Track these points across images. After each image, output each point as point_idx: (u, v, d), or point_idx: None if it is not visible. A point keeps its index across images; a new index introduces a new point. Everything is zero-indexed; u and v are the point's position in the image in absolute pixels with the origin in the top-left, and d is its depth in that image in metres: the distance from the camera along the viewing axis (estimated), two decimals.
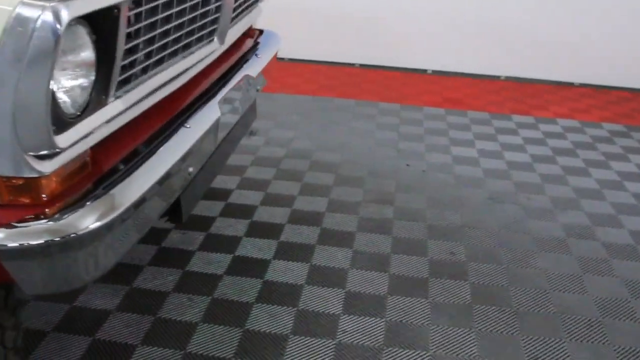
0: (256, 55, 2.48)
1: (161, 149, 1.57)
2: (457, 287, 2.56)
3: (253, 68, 2.34)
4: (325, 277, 2.58)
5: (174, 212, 1.82)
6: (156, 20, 1.50)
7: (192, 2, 1.68)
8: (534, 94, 5.13)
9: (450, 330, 2.31)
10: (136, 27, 1.39)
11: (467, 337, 2.28)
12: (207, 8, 1.83)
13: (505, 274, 2.66)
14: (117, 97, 1.40)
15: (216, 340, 2.20)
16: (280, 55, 5.67)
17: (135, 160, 1.49)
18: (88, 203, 1.30)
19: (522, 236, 2.97)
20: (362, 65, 5.66)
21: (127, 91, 1.45)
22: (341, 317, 2.35)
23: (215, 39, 2.00)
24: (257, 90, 2.52)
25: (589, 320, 2.40)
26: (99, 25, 1.26)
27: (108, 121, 1.41)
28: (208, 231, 2.88)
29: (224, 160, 2.26)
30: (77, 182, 1.35)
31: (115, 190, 1.38)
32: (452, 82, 5.35)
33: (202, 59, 1.91)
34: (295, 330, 2.27)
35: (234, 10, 2.14)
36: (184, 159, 1.64)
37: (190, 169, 1.74)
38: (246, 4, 2.34)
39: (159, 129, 1.65)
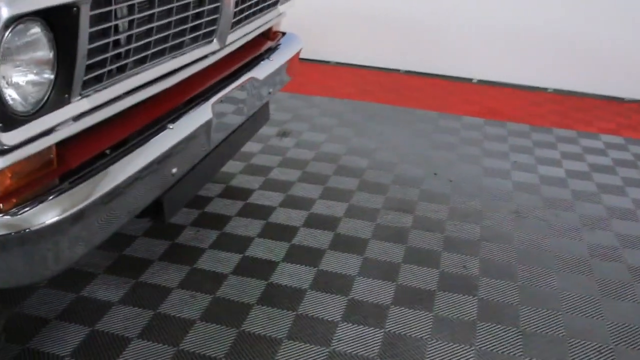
0: (268, 58, 2.48)
1: (138, 149, 1.59)
2: (464, 302, 2.49)
3: (261, 70, 2.34)
4: (331, 283, 2.56)
5: (157, 212, 1.84)
6: (132, 20, 1.52)
7: (178, 3, 1.69)
8: (581, 107, 4.94)
9: (450, 346, 2.25)
10: (104, 26, 1.41)
11: (466, 354, 2.21)
12: (201, 9, 1.84)
13: (517, 291, 2.58)
14: (85, 96, 1.43)
15: (210, 339, 2.22)
16: (324, 58, 5.69)
17: (106, 158, 1.51)
18: (46, 199, 1.32)
19: (542, 253, 2.86)
20: (407, 72, 5.59)
21: (98, 90, 1.47)
22: (339, 325, 2.32)
23: (215, 40, 2.01)
24: (269, 93, 2.53)
25: (600, 346, 2.29)
26: (57, 23, 1.28)
27: (76, 119, 1.43)
28: (222, 230, 2.90)
29: (221, 163, 2.27)
30: (39, 178, 1.37)
31: (79, 188, 1.40)
32: (496, 92, 5.22)
33: (197, 60, 1.93)
34: (291, 335, 2.25)
35: (240, 12, 2.16)
36: (161, 159, 1.65)
37: (174, 170, 1.76)
38: (258, 6, 2.35)
39: (141, 129, 1.67)
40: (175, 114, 1.80)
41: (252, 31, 2.37)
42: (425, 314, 2.41)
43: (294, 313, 2.37)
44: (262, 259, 2.70)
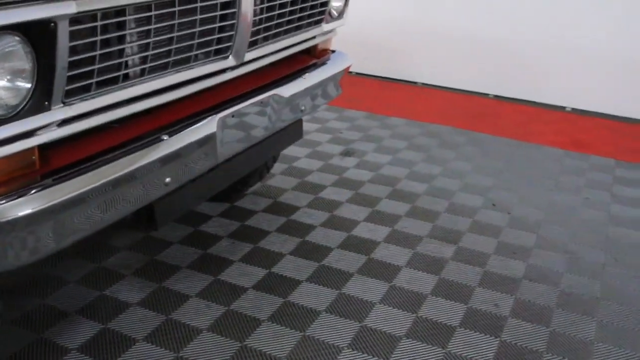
0: (302, 76, 2.49)
1: (126, 157, 1.65)
2: (485, 342, 2.35)
3: (288, 88, 2.35)
4: (348, 308, 2.50)
5: (149, 218, 1.89)
6: (123, 36, 1.59)
7: (182, 20, 1.75)
8: None
9: None
10: (88, 40, 1.49)
11: None
12: (210, 26, 1.89)
13: (547, 337, 2.39)
14: (69, 104, 1.51)
15: (212, 350, 2.24)
16: (411, 79, 5.61)
17: (89, 163, 1.58)
18: (22, 194, 1.41)
19: (588, 300, 2.64)
20: (495, 96, 5.39)
21: (85, 99, 1.55)
22: (343, 351, 2.27)
23: (231, 57, 2.05)
24: (302, 111, 2.53)
25: None
26: (36, 37, 1.37)
27: (60, 125, 1.52)
28: (257, 244, 2.93)
29: (233, 176, 2.30)
30: (19, 177, 1.47)
31: (55, 187, 1.48)
32: (589, 122, 4.89)
33: (210, 75, 1.97)
34: (292, 356, 2.23)
35: (260, 31, 2.18)
36: (150, 168, 1.70)
37: (167, 180, 1.81)
38: (288, 25, 2.37)
39: (136, 137, 1.73)
40: (177, 126, 1.85)
41: (281, 49, 2.39)
42: (438, 350, 2.30)
43: (301, 334, 2.35)
44: (287, 276, 2.69)
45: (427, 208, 3.38)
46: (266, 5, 2.18)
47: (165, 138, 1.78)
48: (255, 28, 2.14)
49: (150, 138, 1.75)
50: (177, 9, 1.75)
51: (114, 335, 2.28)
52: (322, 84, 2.64)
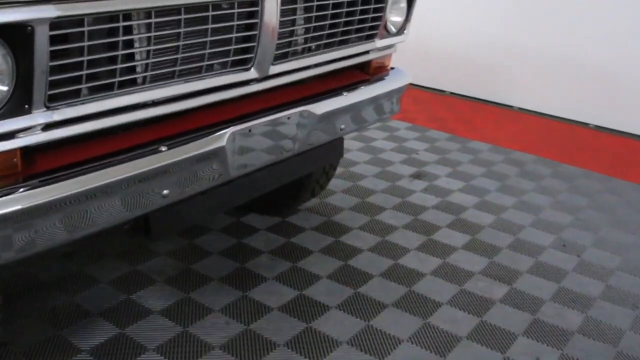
0: (343, 92, 2.37)
1: (115, 166, 1.62)
2: None
3: (322, 105, 2.24)
4: (371, 342, 2.35)
5: (146, 228, 1.86)
6: (115, 43, 1.56)
7: (188, 29, 1.70)
8: None
9: None
10: (73, 46, 1.47)
11: None
12: (223, 37, 1.83)
13: None
14: (52, 109, 1.50)
15: None
16: (507, 102, 5.31)
17: (75, 170, 1.56)
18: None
19: None
20: (597, 127, 4.97)
21: (72, 105, 1.53)
22: None
23: (253, 69, 1.98)
24: (341, 130, 2.41)
25: None
26: (13, 40, 1.36)
27: (46, 129, 1.51)
28: (296, 263, 2.84)
29: (249, 193, 2.21)
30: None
31: (34, 190, 1.47)
32: None
33: (227, 86, 1.92)
34: None
35: (294, 43, 2.10)
36: (143, 179, 1.66)
37: (165, 192, 1.76)
38: (332, 39, 2.27)
39: (132, 146, 1.70)
40: (182, 137, 1.81)
41: (319, 64, 2.29)
42: None
43: None
44: (317, 300, 2.58)
45: (487, 242, 3.14)
46: (298, 17, 2.09)
47: (163, 149, 1.73)
48: (282, 40, 2.06)
49: (147, 149, 1.71)
50: (182, 17, 1.70)
51: (127, 342, 2.27)
52: (370, 102, 2.51)
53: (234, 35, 1.87)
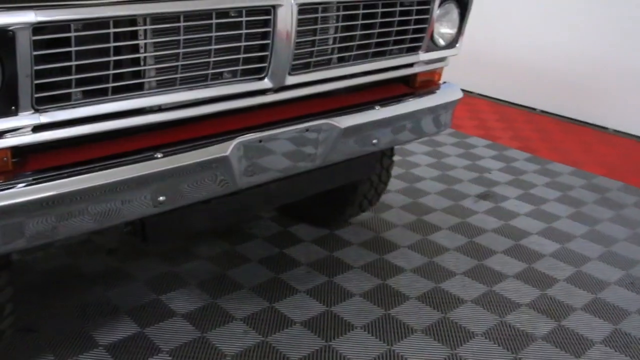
0: (375, 106, 2.28)
1: (108, 170, 1.64)
2: None
3: (348, 119, 2.17)
4: None
5: (142, 233, 1.87)
6: (107, 48, 1.58)
7: (187, 37, 1.70)
8: None
9: None
10: (55, 51, 1.51)
11: None
12: (229, 45, 1.81)
13: None
14: (41, 111, 1.54)
15: None
16: (602, 123, 4.94)
17: (64, 171, 1.60)
18: None
19: None
20: None
21: (62, 108, 1.57)
22: None
23: (267, 79, 1.95)
24: (373, 144, 2.32)
25: None
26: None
27: (35, 130, 1.56)
28: (332, 278, 2.78)
29: (262, 205, 2.17)
30: None
31: (18, 189, 1.53)
32: None
33: (233, 95, 1.90)
34: None
35: (315, 53, 2.05)
36: (132, 184, 1.68)
37: (161, 198, 1.76)
38: (364, 50, 2.20)
39: (130, 151, 1.72)
40: (183, 145, 1.81)
41: (347, 76, 2.22)
42: None
43: None
44: (343, 319, 2.50)
45: (544, 272, 2.91)
46: (321, 26, 2.03)
47: (158, 156, 1.74)
48: (302, 50, 2.01)
49: (142, 155, 1.72)
50: (181, 24, 1.70)
51: (144, 341, 2.31)
52: (408, 117, 2.40)
53: (243, 43, 1.85)
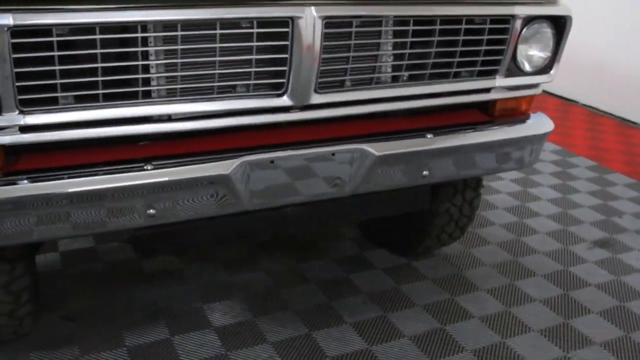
0: (428, 134, 2.03)
1: (92, 177, 1.61)
2: None
3: (384, 146, 1.94)
4: None
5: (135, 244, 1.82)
6: (94, 55, 1.54)
7: (185, 47, 1.62)
8: None
9: None
10: (33, 55, 1.49)
11: None
12: (235, 58, 1.69)
13: None
14: (26, 113, 1.54)
15: None
16: None
17: (51, 174, 1.60)
18: None
19: None
20: None
21: (48, 111, 1.57)
22: None
23: (286, 97, 1.80)
24: (424, 177, 2.07)
25: None
26: None
27: (25, 131, 1.57)
28: (386, 313, 2.55)
29: (273, 229, 2.00)
30: None
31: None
32: None
33: (244, 111, 1.78)
34: None
35: (350, 71, 1.87)
36: (116, 193, 1.63)
37: (151, 211, 1.70)
38: (417, 71, 1.98)
39: (121, 160, 1.68)
40: (182, 158, 1.73)
41: (394, 98, 1.98)
42: None
43: None
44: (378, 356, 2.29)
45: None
46: (355, 42, 1.83)
47: (148, 168, 1.67)
48: (330, 67, 1.83)
49: (132, 165, 1.67)
50: (179, 33, 1.62)
51: (166, 349, 2.28)
52: (471, 149, 2.11)
53: (254, 56, 1.72)
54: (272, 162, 1.82)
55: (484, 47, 2.07)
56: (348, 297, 2.64)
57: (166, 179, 1.68)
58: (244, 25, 1.70)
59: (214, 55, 1.69)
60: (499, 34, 2.07)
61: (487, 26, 2.04)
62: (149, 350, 2.28)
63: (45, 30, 1.50)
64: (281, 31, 1.72)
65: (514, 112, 2.31)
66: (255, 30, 1.69)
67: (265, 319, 2.48)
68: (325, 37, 1.77)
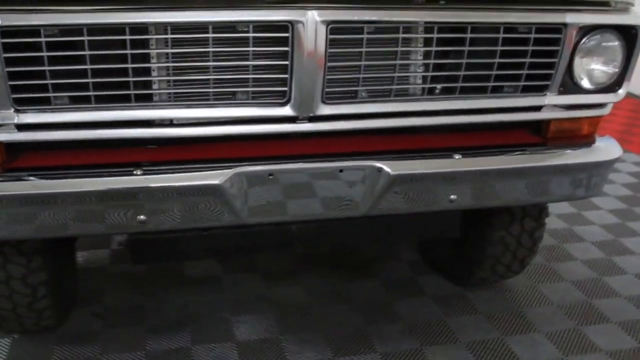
0: (456, 155, 1.81)
1: (79, 179, 1.59)
2: None
3: (405, 165, 1.75)
4: None
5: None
6: (83, 56, 1.51)
7: (185, 49, 1.56)
8: None
9: None
10: (23, 55, 1.48)
11: None
12: (227, 63, 1.59)
13: None
14: (22, 111, 1.54)
15: None
16: None
17: (36, 172, 1.60)
18: None
19: None
20: None
21: (43, 111, 1.56)
22: None
23: (289, 106, 1.67)
24: (451, 201, 1.86)
25: None
26: None
27: (23, 129, 1.58)
28: (423, 347, 2.34)
29: (266, 246, 1.87)
30: None
31: None
32: None
33: (243, 119, 1.68)
34: None
35: (363, 81, 1.71)
36: (102, 197, 1.60)
37: (141, 217, 1.65)
38: (446, 84, 1.78)
39: (111, 164, 1.64)
40: (172, 165, 1.67)
41: (420, 113, 1.79)
42: None
43: None
44: None
45: None
46: (366, 50, 1.66)
47: (137, 173, 1.62)
48: (340, 76, 1.68)
49: (122, 169, 1.63)
50: (169, 36, 1.55)
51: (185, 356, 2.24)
52: (508, 174, 1.87)
53: (251, 62, 1.61)
54: (270, 175, 1.70)
55: (528, 59, 1.82)
56: (386, 324, 2.46)
57: (154, 185, 1.63)
58: (240, 30, 1.60)
59: (208, 60, 1.61)
60: (547, 45, 1.82)
61: (533, 35, 1.79)
62: (165, 357, 2.24)
63: (34, 31, 1.49)
64: (280, 36, 1.61)
65: (573, 135, 2.03)
66: (251, 35, 1.59)
67: (291, 338, 2.37)
68: (331, 43, 1.63)
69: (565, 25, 1.79)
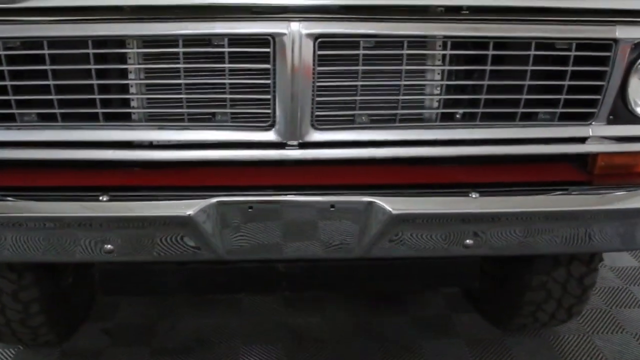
0: (472, 193, 1.53)
1: (41, 202, 1.47)
2: None
3: (409, 202, 1.50)
4: None
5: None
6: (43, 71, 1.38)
7: (154, 65, 1.41)
8: None
9: None
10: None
11: None
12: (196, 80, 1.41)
13: None
14: None
15: None
16: None
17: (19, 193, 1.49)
18: None
19: None
20: None
21: (9, 128, 1.45)
22: None
23: (273, 132, 1.46)
24: (466, 247, 1.58)
25: None
26: None
27: None
28: None
29: (249, 286, 1.66)
30: None
31: None
32: None
33: (219, 144, 1.50)
34: None
35: (359, 104, 1.49)
36: (64, 223, 1.46)
37: (108, 247, 1.50)
38: (471, 109, 1.54)
39: (80, 186, 1.50)
40: (142, 191, 1.50)
41: (431, 142, 1.54)
42: None
43: None
44: None
45: None
46: (363, 68, 1.43)
47: (103, 199, 1.47)
48: (333, 98, 1.46)
49: (88, 194, 1.48)
50: (134, 50, 1.39)
51: None
52: (538, 218, 1.58)
53: (227, 80, 1.42)
54: (250, 207, 1.50)
55: (567, 82, 1.53)
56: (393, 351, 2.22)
57: (119, 214, 1.48)
58: (215, 43, 1.41)
59: (179, 77, 1.43)
60: (593, 64, 1.52)
61: (573, 53, 1.50)
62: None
63: None
64: (260, 51, 1.41)
65: (626, 172, 1.70)
66: (226, 50, 1.41)
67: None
68: (321, 60, 1.42)
69: (615, 40, 1.49)
